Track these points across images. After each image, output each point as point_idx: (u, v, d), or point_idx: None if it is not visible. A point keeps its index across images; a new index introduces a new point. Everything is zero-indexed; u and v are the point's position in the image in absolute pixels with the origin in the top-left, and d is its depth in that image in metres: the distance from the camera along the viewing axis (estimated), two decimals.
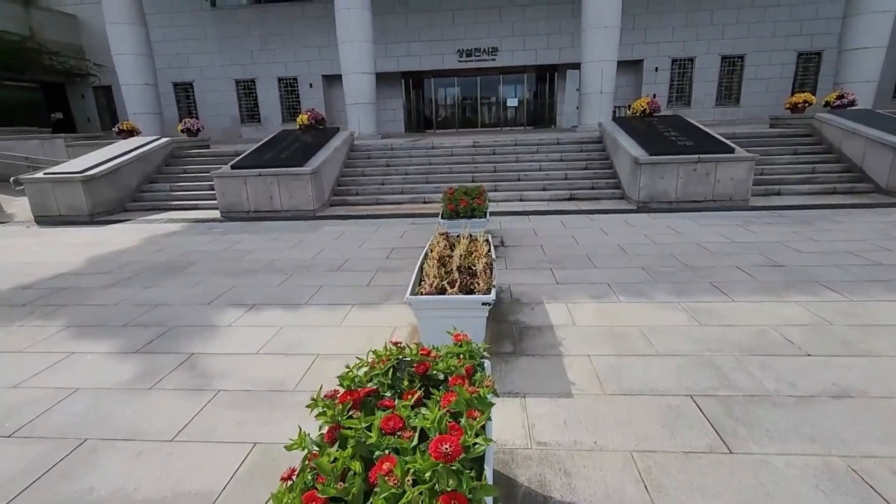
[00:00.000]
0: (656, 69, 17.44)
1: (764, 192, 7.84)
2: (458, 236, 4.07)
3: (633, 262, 4.67)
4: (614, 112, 14.35)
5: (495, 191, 8.50)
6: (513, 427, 2.24)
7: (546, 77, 18.26)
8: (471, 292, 2.86)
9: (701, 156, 7.15)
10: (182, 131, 11.26)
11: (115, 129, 11.15)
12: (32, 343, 3.37)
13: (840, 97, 9.93)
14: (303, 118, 9.88)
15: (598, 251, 5.12)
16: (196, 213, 8.37)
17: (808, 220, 6.14)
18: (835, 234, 5.45)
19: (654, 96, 17.87)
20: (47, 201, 8.12)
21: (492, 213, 7.05)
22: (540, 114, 18.87)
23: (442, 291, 2.84)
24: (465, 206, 4.88)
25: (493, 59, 17.29)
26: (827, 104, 10.16)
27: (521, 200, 8.22)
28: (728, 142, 7.69)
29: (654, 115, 9.49)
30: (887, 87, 16.53)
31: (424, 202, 8.36)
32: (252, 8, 17.49)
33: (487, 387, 1.52)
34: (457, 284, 2.85)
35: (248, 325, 3.53)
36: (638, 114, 9.48)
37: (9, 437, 2.33)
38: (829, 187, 7.88)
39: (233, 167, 7.95)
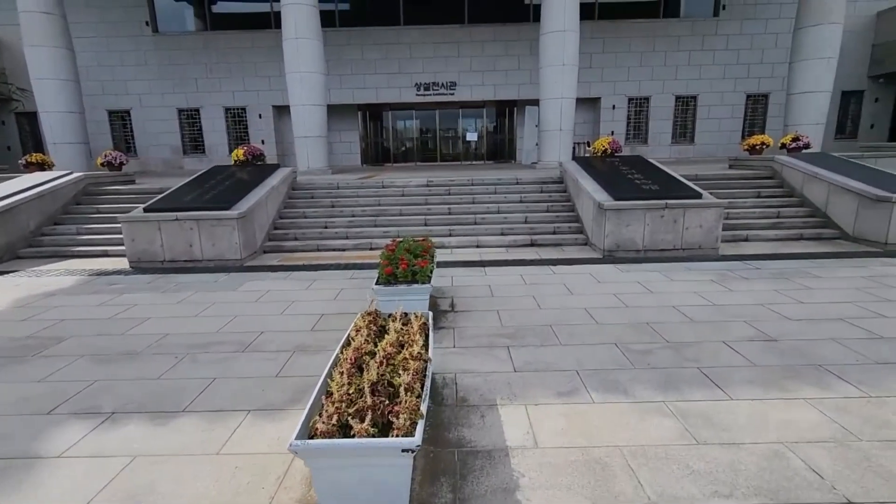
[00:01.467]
0: (613, 107, 17.55)
1: (732, 238, 7.43)
2: (389, 316, 3.23)
3: (605, 336, 3.93)
4: (574, 149, 14.11)
5: (450, 235, 7.75)
6: None
7: (505, 112, 18.06)
8: (389, 426, 1.99)
9: (668, 201, 6.66)
10: (102, 165, 10.04)
11: (22, 161, 9.81)
12: None
13: (795, 139, 9.89)
14: (238, 153, 8.94)
15: (563, 318, 4.37)
16: (103, 261, 7.17)
17: (785, 275, 5.65)
18: (818, 293, 4.94)
19: (612, 133, 18.02)
20: None
21: (445, 265, 6.28)
22: (500, 148, 18.57)
23: (347, 429, 1.96)
24: (404, 268, 4.04)
25: (452, 94, 16.95)
26: (783, 146, 10.12)
27: (477, 247, 7.48)
28: (694, 186, 7.28)
29: (616, 154, 9.09)
30: (829, 128, 17.19)
31: (371, 248, 7.50)
32: (198, 35, 16.57)
33: None
34: (368, 416, 1.97)
35: (87, 456, 2.51)
36: (599, 153, 9.06)
37: None
38: (796, 233, 7.56)
39: (146, 209, 6.87)
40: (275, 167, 8.95)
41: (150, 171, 16.76)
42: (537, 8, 15.37)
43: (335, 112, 17.51)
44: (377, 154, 18.58)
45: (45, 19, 12.13)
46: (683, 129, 17.90)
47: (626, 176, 7.75)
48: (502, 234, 7.76)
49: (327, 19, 16.13)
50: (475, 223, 8.06)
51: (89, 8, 16.19)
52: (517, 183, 9.17)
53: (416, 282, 4.05)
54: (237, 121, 17.36)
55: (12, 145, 17.65)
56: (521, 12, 16.86)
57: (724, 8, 16.65)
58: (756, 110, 17.61)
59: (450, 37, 16.46)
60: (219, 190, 7.59)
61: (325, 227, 8.05)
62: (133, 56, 16.57)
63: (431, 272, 4.24)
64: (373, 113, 18.07)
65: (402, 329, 2.93)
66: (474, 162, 18.40)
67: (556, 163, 12.57)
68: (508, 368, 3.40)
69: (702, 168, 10.66)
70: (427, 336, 2.92)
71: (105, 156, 9.98)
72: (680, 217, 6.66)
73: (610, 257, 6.72)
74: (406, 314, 3.23)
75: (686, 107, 17.66)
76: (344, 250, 7.54)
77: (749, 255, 6.70)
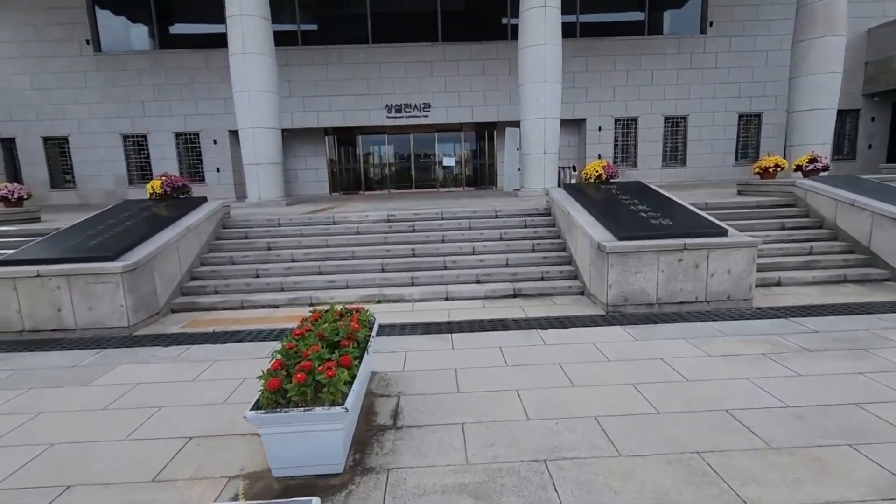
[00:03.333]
0: (600, 129, 16.44)
1: (761, 281, 5.99)
2: None
3: (636, 489, 2.35)
4: (559, 174, 12.79)
5: (412, 285, 6.17)
6: None
7: (485, 135, 16.82)
8: None
9: (687, 240, 5.19)
10: None
11: None
12: None
13: (813, 161, 8.65)
14: (154, 185, 7.32)
15: (563, 442, 2.77)
16: None
17: (856, 342, 4.17)
18: None
19: (600, 157, 16.86)
20: None
21: (401, 330, 4.72)
22: (480, 174, 17.28)
23: None
24: (300, 381, 2.42)
25: (426, 116, 15.65)
26: (798, 168, 8.87)
27: (446, 300, 5.91)
28: (714, 219, 5.86)
29: (612, 181, 7.70)
30: None
31: (311, 304, 5.88)
32: (145, 54, 15.09)
33: None
34: None
35: None
36: (592, 179, 7.65)
37: None
38: (838, 275, 6.15)
39: (1, 262, 5.16)
40: (199, 201, 7.34)
41: (90, 205, 14.98)
42: (515, 27, 14.37)
43: (299, 137, 16.12)
44: (348, 181, 17.11)
45: None
46: (674, 152, 16.83)
47: (627, 207, 6.32)
48: (478, 282, 6.21)
49: (288, 39, 14.91)
50: (444, 268, 6.50)
51: (23, 26, 14.66)
52: (496, 216, 7.69)
53: (322, 401, 2.43)
54: (190, 147, 15.77)
55: None
56: (498, 30, 15.83)
57: (711, 25, 15.81)
58: (749, 130, 16.65)
59: (422, 55, 15.26)
60: (115, 232, 5.93)
61: (256, 276, 6.41)
62: (71, 78, 14.99)
63: (353, 377, 2.62)
64: (342, 137, 16.67)
65: None
66: (453, 189, 17.02)
67: (541, 190, 11.23)
68: None
69: (708, 194, 9.36)
70: None
71: None
72: (703, 261, 5.19)
73: (616, 314, 5.19)
74: None
75: (676, 128, 16.64)
76: (276, 307, 5.90)
77: (790, 307, 5.24)
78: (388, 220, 7.49)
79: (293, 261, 6.68)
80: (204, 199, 7.43)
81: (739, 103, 16.28)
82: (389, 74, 15.28)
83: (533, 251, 6.83)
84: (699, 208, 6.79)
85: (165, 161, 15.65)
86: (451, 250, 6.80)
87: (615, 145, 16.68)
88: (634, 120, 16.47)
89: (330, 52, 15.06)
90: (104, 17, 15.07)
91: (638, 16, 16.34)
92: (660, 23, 16.33)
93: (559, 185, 12.32)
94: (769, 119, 16.29)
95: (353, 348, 2.85)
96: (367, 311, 3.58)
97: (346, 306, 3.64)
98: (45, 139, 15.50)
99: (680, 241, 5.18)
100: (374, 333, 3.45)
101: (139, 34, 15.29)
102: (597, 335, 4.60)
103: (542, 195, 10.91)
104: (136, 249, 5.46)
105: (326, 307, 3.61)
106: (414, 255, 6.73)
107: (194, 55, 14.97)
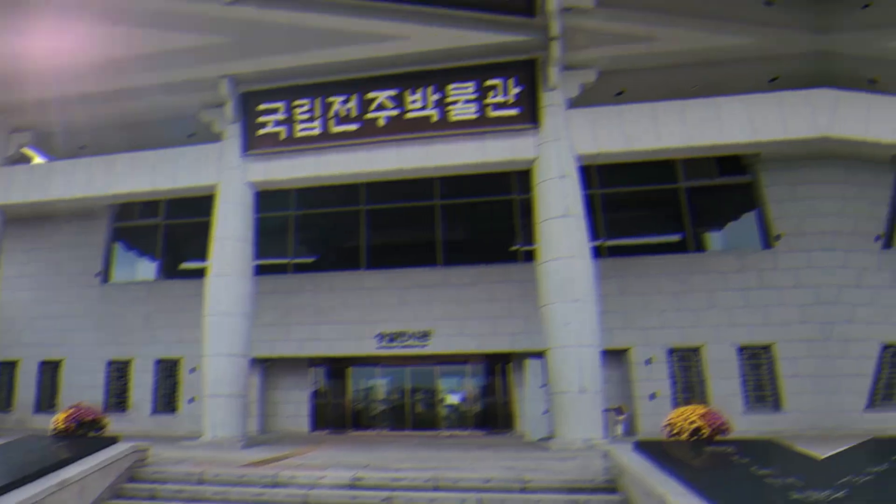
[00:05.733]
0: (648, 361, 12.74)
1: None
2: None
3: None
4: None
5: None
6: None
7: (497, 369, 13.83)
8: None
9: None
10: None
11: None
12: None
13: None
14: (59, 418, 5.74)
15: None
16: None
17: None
18: None
19: (653, 396, 12.78)
20: None
21: None
22: (493, 415, 13.90)
23: None
24: None
25: (424, 346, 13.25)
26: None
27: None
28: None
29: (719, 439, 4.14)
30: None
31: None
32: (142, 284, 15.27)
33: None
34: None
35: None
36: (686, 436, 4.19)
37: None
38: None
39: None
40: (105, 442, 5.02)
41: None
42: (527, 253, 12.79)
43: (282, 367, 14.42)
44: (335, 418, 14.47)
45: None
46: (759, 391, 12.34)
47: (785, 496, 2.64)
48: None
49: (278, 268, 14.50)
50: None
51: (46, 262, 15.83)
52: (522, 489, 4.32)
53: None
54: (168, 374, 14.51)
55: None
56: (507, 255, 14.24)
57: (777, 238, 12.78)
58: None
59: (421, 280, 13.68)
60: None
61: None
62: (76, 306, 15.28)
63: None
64: (330, 368, 14.70)
65: None
66: (458, 431, 13.57)
67: (580, 441, 7.61)
68: None
69: None
70: None
71: None
72: None
73: None
74: None
75: (757, 360, 12.47)
76: None
77: None
78: (353, 486, 4.44)
79: None
80: (113, 441, 5.14)
81: (846, 327, 11.98)
82: (384, 300, 13.64)
83: None
84: None
85: (142, 388, 14.47)
86: None
87: (673, 381, 12.65)
88: (695, 350, 12.67)
89: (319, 280, 14.04)
90: (120, 252, 15.97)
91: (675, 237, 14.14)
92: (706, 239, 13.89)
93: (638, 447, 8.53)
94: None
95: None
96: None
97: None
98: (43, 363, 15.22)
99: None
100: None
101: (147, 268, 15.83)
102: None
103: (583, 449, 7.39)
104: None
105: None
106: None
107: (187, 284, 14.42)
